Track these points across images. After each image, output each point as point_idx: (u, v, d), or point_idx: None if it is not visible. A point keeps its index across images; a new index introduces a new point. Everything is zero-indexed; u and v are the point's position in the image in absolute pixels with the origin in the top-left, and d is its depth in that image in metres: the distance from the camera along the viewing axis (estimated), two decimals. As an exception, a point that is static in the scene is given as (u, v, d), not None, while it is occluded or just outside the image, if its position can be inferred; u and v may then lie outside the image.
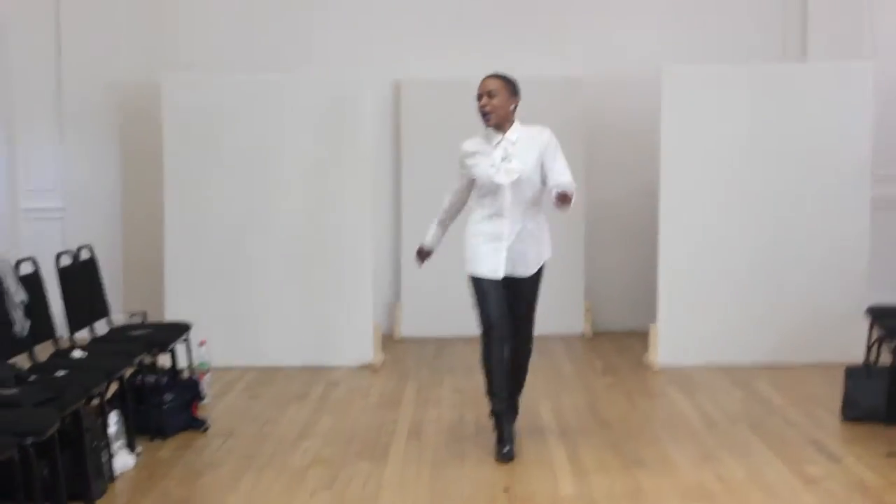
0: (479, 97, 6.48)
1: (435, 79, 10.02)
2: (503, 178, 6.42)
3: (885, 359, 7.64)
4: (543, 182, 6.51)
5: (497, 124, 6.49)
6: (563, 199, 6.17)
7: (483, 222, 6.55)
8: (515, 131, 6.54)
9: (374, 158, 9.47)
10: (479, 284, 6.54)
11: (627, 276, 10.18)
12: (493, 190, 6.46)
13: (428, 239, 6.86)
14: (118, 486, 6.07)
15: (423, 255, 6.92)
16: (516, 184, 6.42)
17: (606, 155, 10.24)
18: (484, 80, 6.55)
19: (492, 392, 6.53)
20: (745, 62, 9.85)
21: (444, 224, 6.87)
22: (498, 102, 6.44)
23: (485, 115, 6.48)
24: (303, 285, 9.13)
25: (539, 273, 6.66)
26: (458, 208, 6.82)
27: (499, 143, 6.50)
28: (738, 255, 8.85)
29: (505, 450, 6.35)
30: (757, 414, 7.47)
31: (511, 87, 6.55)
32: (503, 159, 6.44)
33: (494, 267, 6.49)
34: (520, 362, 6.73)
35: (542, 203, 6.58)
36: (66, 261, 7.48)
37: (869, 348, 7.85)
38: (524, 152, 6.45)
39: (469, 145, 6.61)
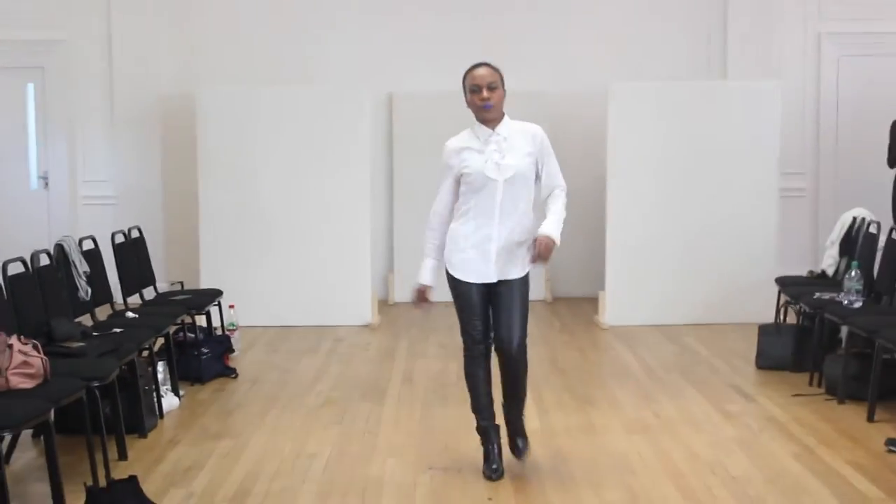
0: (477, 90, 4.94)
1: (420, 91, 10.03)
2: (497, 175, 4.93)
3: (791, 319, 7.74)
4: (538, 179, 5.17)
5: (493, 119, 5.00)
6: (544, 253, 4.96)
7: (469, 223, 5.01)
8: (506, 126, 5.05)
9: (372, 157, 9.47)
10: (463, 292, 5.05)
11: (581, 251, 10.07)
12: (484, 188, 4.95)
13: (426, 276, 5.15)
14: (166, 422, 6.10)
15: (422, 295, 5.19)
16: (510, 182, 4.95)
17: (563, 153, 10.09)
18: (479, 70, 5.00)
19: (476, 410, 5.19)
20: (677, 80, 9.91)
21: (438, 250, 5.14)
22: (498, 96, 4.97)
23: (487, 108, 4.94)
24: (314, 259, 9.10)
25: (527, 275, 5.13)
26: (448, 220, 5.14)
27: (490, 138, 4.99)
28: (672, 236, 8.85)
29: (493, 466, 5.06)
30: (686, 363, 7.53)
31: (503, 80, 5.06)
32: (496, 153, 4.96)
33: (483, 272, 4.99)
34: (514, 378, 5.10)
35: (532, 204, 5.10)
36: (119, 239, 7.52)
37: (777, 310, 7.96)
38: (518, 149, 5.01)
39: (456, 142, 5.08)
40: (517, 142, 5.03)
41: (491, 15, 10.31)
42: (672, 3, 10.41)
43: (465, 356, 5.19)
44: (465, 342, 5.18)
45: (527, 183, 5.05)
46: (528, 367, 5.17)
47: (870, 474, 5.03)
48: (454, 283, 5.08)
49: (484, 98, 4.93)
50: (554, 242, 5.00)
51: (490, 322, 5.10)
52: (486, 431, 5.17)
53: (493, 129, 5.02)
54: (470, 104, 5.03)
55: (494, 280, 5.02)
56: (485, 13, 10.29)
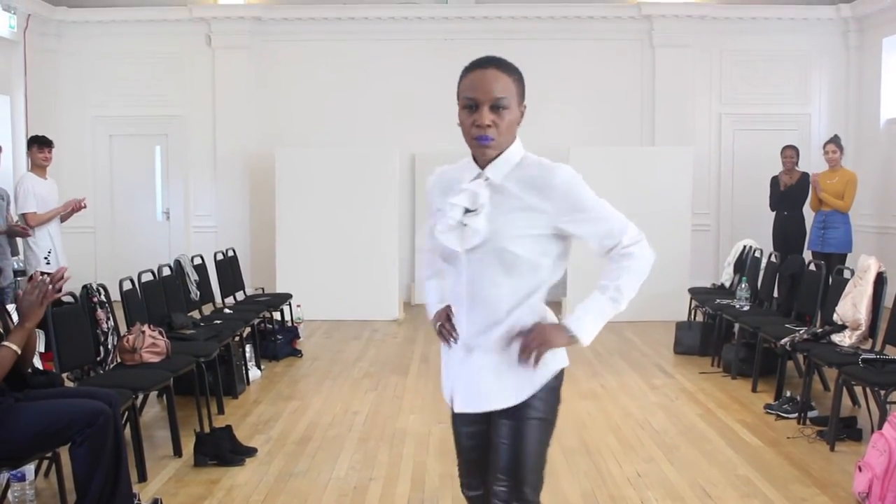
0: (473, 106, 2.22)
1: (436, 151, 9.96)
2: (454, 242, 2.28)
3: (699, 318, 7.75)
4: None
5: (492, 155, 2.28)
6: (531, 343, 2.28)
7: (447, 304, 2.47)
8: (504, 165, 2.29)
9: (399, 199, 9.48)
10: (452, 418, 2.52)
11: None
12: (448, 258, 2.35)
13: (434, 299, 2.59)
14: (251, 388, 6.15)
15: (443, 319, 2.50)
16: (476, 255, 2.26)
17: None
18: (481, 74, 2.23)
19: None
20: (620, 145, 9.97)
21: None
22: (508, 122, 2.25)
23: (484, 143, 2.23)
24: (357, 271, 9.10)
25: (526, 412, 2.37)
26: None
27: (472, 182, 2.31)
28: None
29: None
30: (624, 349, 7.51)
31: (523, 89, 2.32)
32: (468, 211, 2.28)
33: (445, 385, 2.52)
34: None
35: (536, 292, 2.39)
36: (219, 256, 7.55)
37: (689, 311, 7.98)
38: (506, 204, 2.25)
39: (445, 178, 2.46)
40: (513, 191, 2.25)
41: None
42: (616, 87, 10.42)
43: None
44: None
45: (509, 261, 2.24)
46: None
47: (752, 429, 5.07)
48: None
49: (482, 125, 2.19)
50: (551, 336, 2.30)
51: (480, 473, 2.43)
52: None
53: (482, 167, 2.28)
54: (461, 124, 2.27)
55: (457, 405, 2.41)
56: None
